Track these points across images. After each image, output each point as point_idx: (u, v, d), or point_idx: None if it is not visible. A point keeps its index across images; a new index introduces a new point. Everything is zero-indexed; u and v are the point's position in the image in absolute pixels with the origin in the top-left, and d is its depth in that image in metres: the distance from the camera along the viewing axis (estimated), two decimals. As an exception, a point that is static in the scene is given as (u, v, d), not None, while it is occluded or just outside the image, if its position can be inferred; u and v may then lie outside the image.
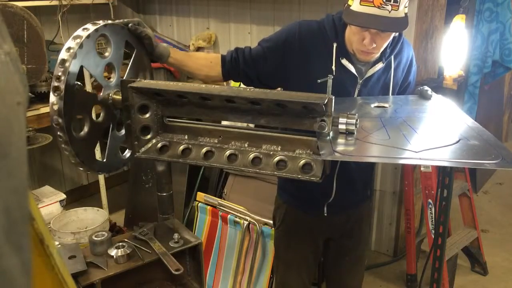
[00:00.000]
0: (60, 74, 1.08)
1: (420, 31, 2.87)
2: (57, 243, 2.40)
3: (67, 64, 1.09)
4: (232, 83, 3.25)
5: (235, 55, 1.60)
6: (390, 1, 1.36)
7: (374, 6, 1.37)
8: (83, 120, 1.21)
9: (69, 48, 1.11)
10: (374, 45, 1.46)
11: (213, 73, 1.60)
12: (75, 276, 1.13)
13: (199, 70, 1.59)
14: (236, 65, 1.59)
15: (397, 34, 1.55)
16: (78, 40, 1.12)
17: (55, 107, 1.09)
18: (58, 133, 1.12)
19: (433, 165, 2.31)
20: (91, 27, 1.16)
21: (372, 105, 1.46)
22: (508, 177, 4.48)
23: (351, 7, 1.43)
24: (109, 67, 1.27)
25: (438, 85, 2.45)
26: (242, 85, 1.72)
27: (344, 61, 1.55)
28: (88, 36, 1.13)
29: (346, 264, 1.88)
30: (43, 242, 0.52)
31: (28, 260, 0.36)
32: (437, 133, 1.28)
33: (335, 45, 1.54)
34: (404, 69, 1.67)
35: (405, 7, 1.41)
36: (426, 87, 1.59)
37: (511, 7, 2.82)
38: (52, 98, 1.09)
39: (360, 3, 1.39)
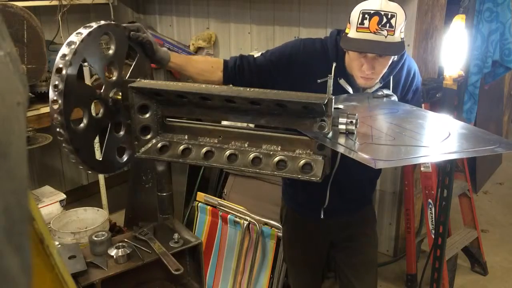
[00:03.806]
0: (61, 66, 1.08)
1: (420, 31, 2.87)
2: (57, 243, 2.40)
3: (67, 58, 1.08)
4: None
5: (240, 62, 1.61)
6: (386, 27, 1.40)
7: (370, 32, 1.41)
8: (82, 115, 1.20)
9: (70, 43, 1.11)
10: (373, 71, 1.49)
11: (213, 78, 1.61)
12: (75, 276, 1.13)
13: (200, 74, 1.60)
14: (240, 72, 1.61)
15: (395, 58, 1.55)
16: (79, 36, 1.12)
17: (56, 105, 1.08)
18: (55, 115, 1.10)
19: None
20: (94, 25, 1.16)
21: None
22: (508, 177, 4.48)
23: (348, 35, 1.47)
24: (111, 66, 1.27)
25: (438, 85, 2.45)
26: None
27: (342, 81, 1.58)
28: (89, 34, 1.13)
29: (354, 267, 1.89)
30: (43, 242, 0.52)
31: (28, 260, 0.36)
32: (426, 128, 1.28)
33: (334, 64, 1.56)
34: (404, 88, 1.67)
35: (401, 32, 1.45)
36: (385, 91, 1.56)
37: (511, 7, 2.81)
38: (52, 94, 1.09)
39: (356, 30, 1.43)
